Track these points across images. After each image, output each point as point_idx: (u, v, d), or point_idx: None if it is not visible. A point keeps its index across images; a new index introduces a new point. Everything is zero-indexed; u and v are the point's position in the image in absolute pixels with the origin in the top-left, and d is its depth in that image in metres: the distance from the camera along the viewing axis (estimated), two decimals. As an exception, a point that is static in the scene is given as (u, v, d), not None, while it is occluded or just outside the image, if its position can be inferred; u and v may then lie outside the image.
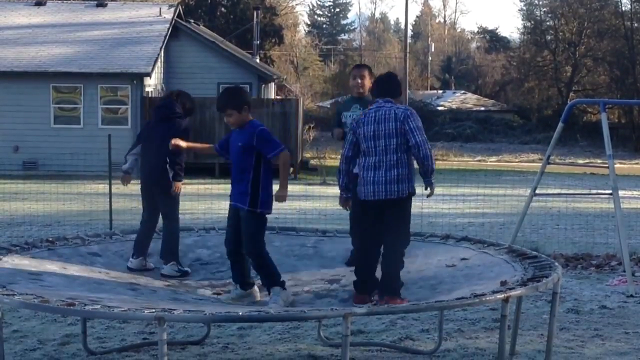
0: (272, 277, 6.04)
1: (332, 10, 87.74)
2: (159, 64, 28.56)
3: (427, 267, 6.51)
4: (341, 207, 6.82)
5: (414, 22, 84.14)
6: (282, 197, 6.14)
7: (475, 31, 77.64)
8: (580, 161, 35.10)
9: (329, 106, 54.64)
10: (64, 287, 5.64)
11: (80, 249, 6.77)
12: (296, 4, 72.62)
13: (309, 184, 22.71)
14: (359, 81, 7.24)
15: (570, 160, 34.21)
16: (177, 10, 31.81)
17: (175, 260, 6.91)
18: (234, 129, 6.28)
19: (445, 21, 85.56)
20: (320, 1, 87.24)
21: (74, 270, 6.25)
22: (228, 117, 6.21)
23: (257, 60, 36.21)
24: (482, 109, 55.83)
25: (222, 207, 7.04)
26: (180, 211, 7.29)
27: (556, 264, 5.86)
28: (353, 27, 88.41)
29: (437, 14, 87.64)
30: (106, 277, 6.28)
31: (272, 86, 37.29)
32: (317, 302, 6.22)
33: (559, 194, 14.65)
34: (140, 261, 6.90)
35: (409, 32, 58.87)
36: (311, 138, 31.11)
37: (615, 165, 9.84)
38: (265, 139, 6.14)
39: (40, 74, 26.67)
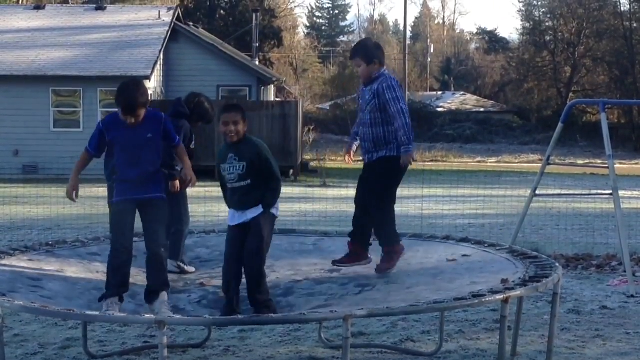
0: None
1: (331, 12, 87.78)
2: (158, 67, 28.58)
3: (427, 261, 6.53)
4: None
5: (413, 24, 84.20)
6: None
7: (475, 32, 77.73)
8: (580, 161, 35.11)
9: (328, 108, 54.68)
10: (63, 298, 5.64)
11: (79, 250, 6.76)
12: (295, 6, 72.74)
13: (309, 186, 22.71)
14: (232, 128, 5.90)
15: (570, 161, 34.21)
16: (177, 13, 31.83)
17: (175, 259, 6.86)
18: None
19: (444, 22, 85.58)
20: (319, 3, 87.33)
21: (72, 272, 6.23)
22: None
23: (257, 63, 36.23)
24: (482, 110, 55.85)
25: (222, 210, 7.01)
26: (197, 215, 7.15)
27: (557, 264, 5.86)
28: (352, 29, 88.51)
29: (436, 15, 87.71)
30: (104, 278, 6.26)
31: (272, 88, 37.30)
32: (317, 287, 6.22)
33: (559, 195, 14.66)
34: (171, 263, 6.84)
35: (408, 34, 58.94)
36: (311, 140, 31.13)
37: (615, 166, 9.83)
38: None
39: (40, 78, 26.69)
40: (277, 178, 6.01)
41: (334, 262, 6.44)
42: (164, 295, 5.80)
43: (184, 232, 7.15)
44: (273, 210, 6.05)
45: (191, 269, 6.91)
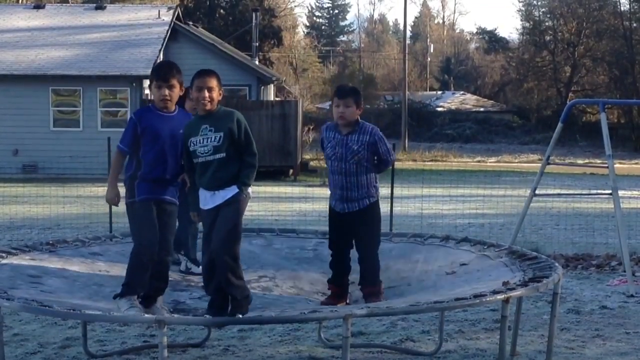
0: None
1: (331, 11, 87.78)
2: (158, 66, 28.56)
3: (427, 277, 6.50)
4: None
5: (412, 23, 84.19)
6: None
7: (474, 32, 77.80)
8: (580, 161, 35.10)
9: (328, 107, 54.69)
10: (65, 293, 5.64)
11: (80, 250, 6.76)
12: (295, 6, 72.70)
13: (309, 186, 22.71)
14: (207, 94, 5.51)
15: (569, 161, 34.21)
16: (176, 13, 31.84)
17: (188, 257, 6.82)
18: None
19: (444, 22, 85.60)
20: (319, 3, 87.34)
21: (74, 269, 6.23)
22: None
23: (256, 62, 36.22)
24: (482, 109, 55.89)
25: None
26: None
27: (556, 264, 5.86)
28: (352, 29, 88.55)
29: (436, 14, 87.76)
30: (106, 275, 6.26)
31: (272, 88, 37.30)
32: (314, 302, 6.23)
33: (558, 195, 14.66)
34: (183, 259, 6.80)
35: (408, 33, 58.91)
36: (311, 139, 31.12)
37: (615, 165, 9.83)
38: None
39: (40, 77, 26.70)
40: (254, 152, 5.55)
41: (322, 304, 6.29)
42: (159, 301, 5.77)
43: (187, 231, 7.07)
44: (248, 190, 5.58)
45: (197, 269, 6.83)
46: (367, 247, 6.41)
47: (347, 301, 6.37)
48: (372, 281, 6.33)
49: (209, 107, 5.49)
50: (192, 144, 5.52)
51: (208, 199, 5.54)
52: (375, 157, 6.40)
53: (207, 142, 5.46)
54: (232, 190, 5.48)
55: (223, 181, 5.48)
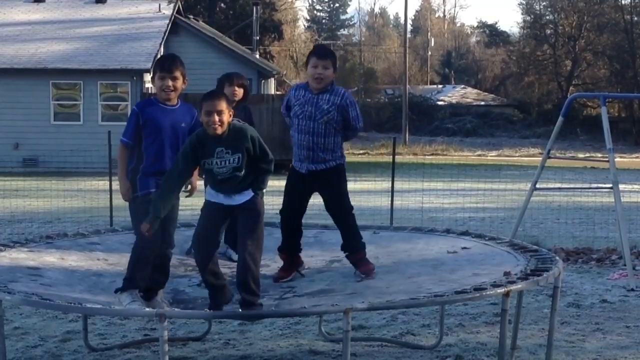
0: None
1: (332, 5, 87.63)
2: (158, 60, 28.56)
3: (427, 252, 6.52)
4: None
5: (413, 17, 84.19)
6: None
7: (475, 25, 77.70)
8: (581, 155, 35.08)
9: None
10: (64, 286, 5.64)
11: (79, 241, 6.76)
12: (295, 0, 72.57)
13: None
14: (216, 118, 5.33)
15: (570, 155, 34.18)
16: (177, 6, 31.81)
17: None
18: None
19: (444, 16, 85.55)
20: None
21: (72, 260, 6.22)
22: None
23: (257, 56, 36.22)
24: (482, 103, 55.87)
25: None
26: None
27: (557, 258, 5.85)
28: (352, 22, 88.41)
29: (436, 8, 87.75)
30: (105, 265, 6.26)
31: (272, 81, 37.30)
32: (317, 275, 6.23)
33: (559, 188, 14.64)
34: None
35: (409, 27, 58.83)
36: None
37: (616, 159, 9.82)
38: None
39: (40, 71, 26.69)
40: (270, 159, 5.49)
41: (275, 280, 6.17)
42: (160, 294, 5.76)
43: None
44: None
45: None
46: (342, 209, 6.30)
47: (300, 269, 6.28)
48: (357, 248, 6.25)
49: (219, 131, 5.28)
50: (206, 164, 5.37)
51: (221, 197, 5.48)
52: (344, 122, 6.27)
53: (225, 163, 5.34)
54: (248, 195, 5.46)
55: (241, 188, 5.45)
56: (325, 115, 6.21)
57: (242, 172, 5.39)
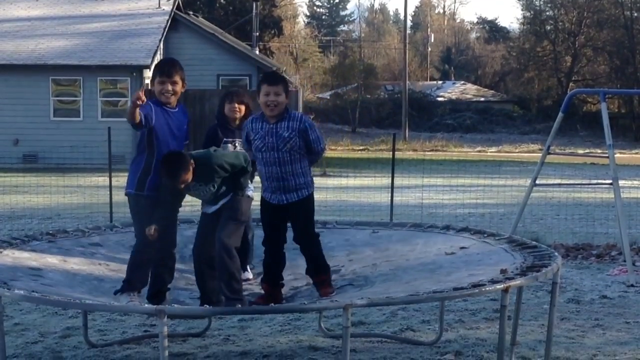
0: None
1: (332, 1, 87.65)
2: (158, 56, 28.52)
3: (426, 255, 6.52)
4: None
5: (413, 13, 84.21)
6: None
7: (475, 21, 77.82)
8: (581, 151, 35.06)
9: (328, 97, 54.65)
10: (65, 287, 5.64)
11: (81, 240, 6.75)
12: (295, -5, 72.50)
13: (309, 176, 22.66)
14: (185, 177, 5.60)
15: (570, 151, 34.15)
16: (176, 2, 31.77)
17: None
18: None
19: (444, 11, 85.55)
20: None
21: (74, 263, 6.23)
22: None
23: (257, 52, 36.19)
24: (482, 99, 55.87)
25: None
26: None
27: (556, 254, 5.85)
28: (352, 18, 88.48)
29: (436, 4, 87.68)
30: (106, 270, 6.27)
31: (272, 78, 37.20)
32: (316, 294, 6.21)
33: (559, 184, 14.66)
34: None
35: (409, 23, 58.85)
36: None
37: (616, 155, 9.83)
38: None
39: (40, 67, 26.67)
40: (244, 166, 5.75)
41: (250, 303, 6.03)
42: (167, 298, 5.79)
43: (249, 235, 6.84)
44: (248, 192, 5.93)
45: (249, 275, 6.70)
46: (309, 238, 6.23)
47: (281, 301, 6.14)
48: (319, 271, 6.17)
49: (190, 183, 5.58)
50: (190, 194, 5.77)
51: (211, 207, 5.87)
52: (307, 146, 6.13)
53: (204, 192, 5.72)
54: (230, 196, 5.82)
55: (223, 195, 5.81)
56: (287, 143, 6.00)
57: (223, 189, 5.76)
